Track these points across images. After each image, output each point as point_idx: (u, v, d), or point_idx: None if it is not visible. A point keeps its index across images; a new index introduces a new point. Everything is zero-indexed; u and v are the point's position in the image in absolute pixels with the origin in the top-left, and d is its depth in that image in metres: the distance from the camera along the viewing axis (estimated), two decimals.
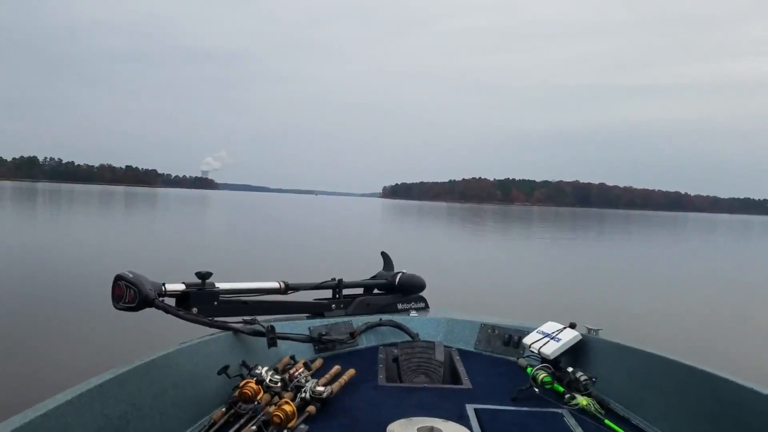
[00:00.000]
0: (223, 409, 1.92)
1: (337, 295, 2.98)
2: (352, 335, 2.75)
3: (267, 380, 2.02)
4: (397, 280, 3.16)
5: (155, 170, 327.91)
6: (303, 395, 1.99)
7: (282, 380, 2.05)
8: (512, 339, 2.81)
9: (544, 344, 2.44)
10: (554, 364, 2.35)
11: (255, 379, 2.00)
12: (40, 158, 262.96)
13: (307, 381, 2.05)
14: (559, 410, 2.10)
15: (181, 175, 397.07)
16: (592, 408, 2.06)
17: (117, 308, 2.10)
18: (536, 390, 2.20)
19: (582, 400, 2.09)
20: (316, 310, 2.90)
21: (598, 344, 2.45)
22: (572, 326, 2.52)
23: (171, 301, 2.23)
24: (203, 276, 2.35)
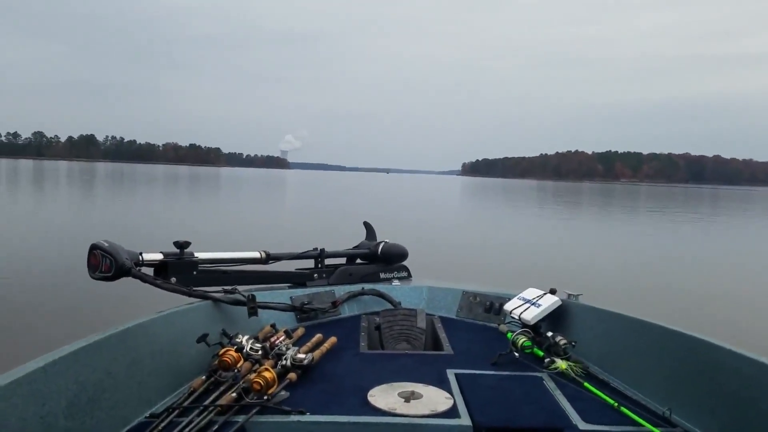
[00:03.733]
0: (203, 378, 2.06)
1: (319, 265, 3.16)
2: (334, 304, 2.93)
3: (247, 348, 2.15)
4: (379, 249, 3.34)
5: (219, 148, 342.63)
6: (284, 363, 2.11)
7: (263, 348, 2.18)
8: (494, 306, 3.00)
9: (524, 310, 2.63)
10: (534, 330, 2.52)
11: (235, 347, 2.13)
12: (100, 137, 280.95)
13: (288, 349, 2.17)
14: (539, 374, 2.25)
15: (253, 155, 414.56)
16: (572, 372, 2.21)
17: (93, 278, 2.25)
18: (516, 355, 2.37)
19: (561, 364, 2.24)
20: (297, 279, 3.07)
21: (578, 309, 2.61)
22: (552, 292, 2.68)
23: (149, 271, 2.38)
24: (182, 245, 2.49)
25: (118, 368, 1.88)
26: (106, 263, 2.19)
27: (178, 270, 2.46)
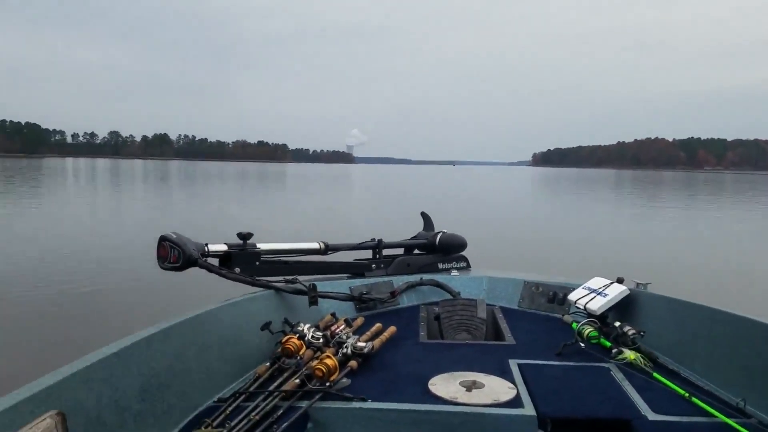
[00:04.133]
0: (267, 364, 2.17)
1: (377, 256, 3.23)
2: (393, 294, 3.00)
3: (309, 336, 2.24)
4: (437, 239, 3.38)
5: (285, 145, 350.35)
6: (344, 351, 2.18)
7: (323, 337, 2.26)
8: (557, 296, 2.99)
9: (590, 300, 2.60)
10: (601, 320, 2.49)
11: (297, 335, 2.22)
12: (173, 136, 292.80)
13: (348, 337, 2.24)
14: (606, 364, 2.23)
15: (319, 150, 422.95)
16: (640, 362, 2.18)
17: (162, 268, 2.41)
18: (582, 345, 2.36)
19: (629, 354, 2.22)
20: (356, 270, 3.15)
21: (647, 298, 2.56)
22: (620, 281, 2.64)
23: (214, 262, 2.52)
24: (244, 236, 2.61)
25: (187, 354, 1.99)
26: (174, 254, 2.33)
27: (242, 260, 2.57)
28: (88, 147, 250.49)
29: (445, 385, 2.02)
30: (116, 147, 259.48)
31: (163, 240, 2.38)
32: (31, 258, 10.06)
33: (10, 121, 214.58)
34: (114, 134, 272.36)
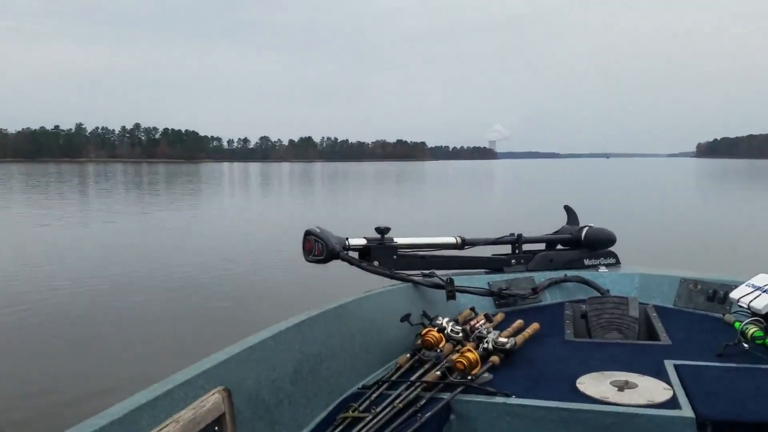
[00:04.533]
0: (407, 355, 2.23)
1: (517, 251, 3.16)
2: (535, 291, 2.94)
3: (448, 330, 2.27)
4: (583, 234, 3.25)
5: (424, 143, 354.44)
6: (485, 346, 2.19)
7: (463, 331, 2.28)
8: (717, 294, 2.80)
9: (755, 298, 2.44)
10: (767, 319, 2.32)
11: (436, 328, 2.26)
12: (317, 138, 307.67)
13: (488, 332, 2.24)
14: None
15: (459, 147, 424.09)
16: None
17: (307, 260, 2.57)
18: (746, 346, 2.22)
19: None
20: (494, 265, 3.11)
21: None
22: None
23: (354, 255, 2.63)
24: (382, 231, 2.70)
25: (334, 342, 2.12)
26: (319, 247, 2.48)
27: (380, 254, 2.67)
28: (241, 152, 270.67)
29: (595, 385, 1.96)
30: (265, 151, 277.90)
31: (308, 234, 2.54)
32: (202, 250, 11.92)
33: (172, 129, 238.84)
34: (264, 139, 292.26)
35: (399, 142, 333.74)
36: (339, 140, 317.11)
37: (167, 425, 1.29)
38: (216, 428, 1.46)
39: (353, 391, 2.10)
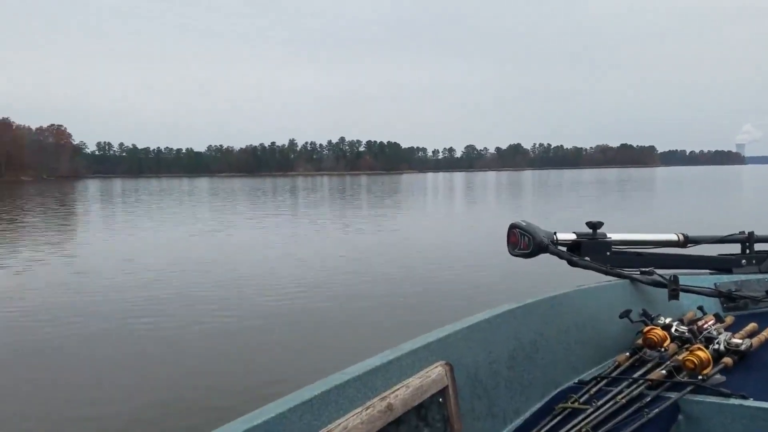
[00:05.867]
0: (627, 354, 2.28)
1: (747, 250, 2.99)
2: None
3: (673, 329, 2.27)
4: None
5: (653, 147, 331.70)
6: (716, 347, 2.17)
7: (690, 331, 2.27)
8: None
9: None
10: None
11: (660, 327, 2.28)
12: (527, 145, 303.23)
13: (719, 333, 2.20)
14: None
15: (696, 151, 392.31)
16: None
17: (512, 254, 2.64)
18: None
19: None
20: (721, 265, 2.98)
21: None
22: None
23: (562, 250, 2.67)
24: (594, 225, 2.70)
25: (548, 332, 2.23)
26: (525, 241, 2.54)
27: (591, 249, 2.65)
28: (446, 162, 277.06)
29: None
30: (470, 160, 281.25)
31: (513, 227, 2.60)
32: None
33: (375, 141, 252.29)
34: (470, 148, 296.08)
35: (623, 146, 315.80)
36: (553, 146, 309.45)
37: (398, 388, 1.49)
38: (440, 399, 1.61)
39: (569, 385, 2.18)
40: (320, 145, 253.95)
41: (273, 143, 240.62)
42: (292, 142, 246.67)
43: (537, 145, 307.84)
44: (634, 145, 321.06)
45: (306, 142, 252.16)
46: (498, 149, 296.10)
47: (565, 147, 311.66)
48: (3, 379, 5.87)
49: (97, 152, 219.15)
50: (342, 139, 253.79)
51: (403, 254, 13.79)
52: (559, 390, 2.15)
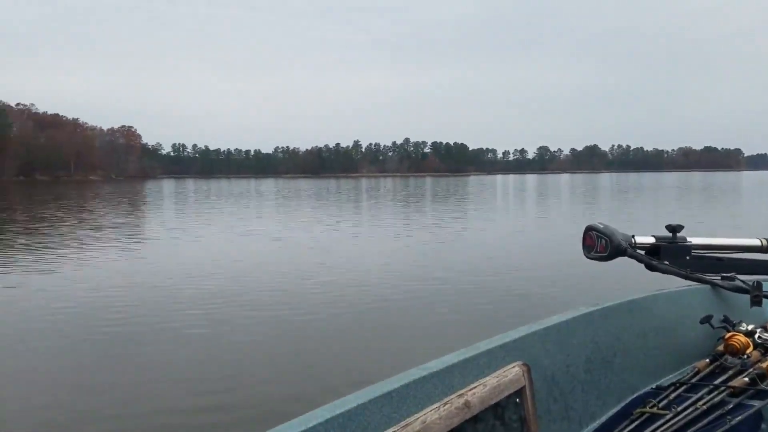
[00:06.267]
0: (707, 360, 2.27)
1: None
2: None
3: (756, 336, 2.25)
4: None
5: (739, 150, 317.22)
6: None
7: None
8: None
9: None
10: None
11: (743, 333, 2.26)
12: (605, 147, 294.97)
13: None
14: None
15: None
16: None
17: (588, 257, 2.59)
18: None
19: None
20: None
21: None
22: None
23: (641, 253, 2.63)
24: (674, 229, 2.65)
25: (626, 336, 2.23)
26: (602, 244, 2.49)
27: (671, 253, 2.61)
28: (516, 164, 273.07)
29: None
30: (543, 162, 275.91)
31: (589, 230, 2.55)
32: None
33: (440, 142, 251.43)
34: (543, 149, 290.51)
35: (707, 149, 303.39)
36: (632, 148, 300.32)
37: (476, 387, 1.53)
38: (517, 400, 1.63)
39: (647, 390, 2.18)
40: (384, 146, 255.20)
41: (338, 144, 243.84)
42: (356, 143, 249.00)
43: (615, 147, 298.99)
44: (719, 148, 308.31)
45: (370, 143, 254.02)
46: (573, 150, 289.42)
47: (645, 149, 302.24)
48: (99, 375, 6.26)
49: (172, 153, 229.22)
50: (407, 140, 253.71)
51: (477, 256, 14.38)
52: (636, 395, 2.16)
